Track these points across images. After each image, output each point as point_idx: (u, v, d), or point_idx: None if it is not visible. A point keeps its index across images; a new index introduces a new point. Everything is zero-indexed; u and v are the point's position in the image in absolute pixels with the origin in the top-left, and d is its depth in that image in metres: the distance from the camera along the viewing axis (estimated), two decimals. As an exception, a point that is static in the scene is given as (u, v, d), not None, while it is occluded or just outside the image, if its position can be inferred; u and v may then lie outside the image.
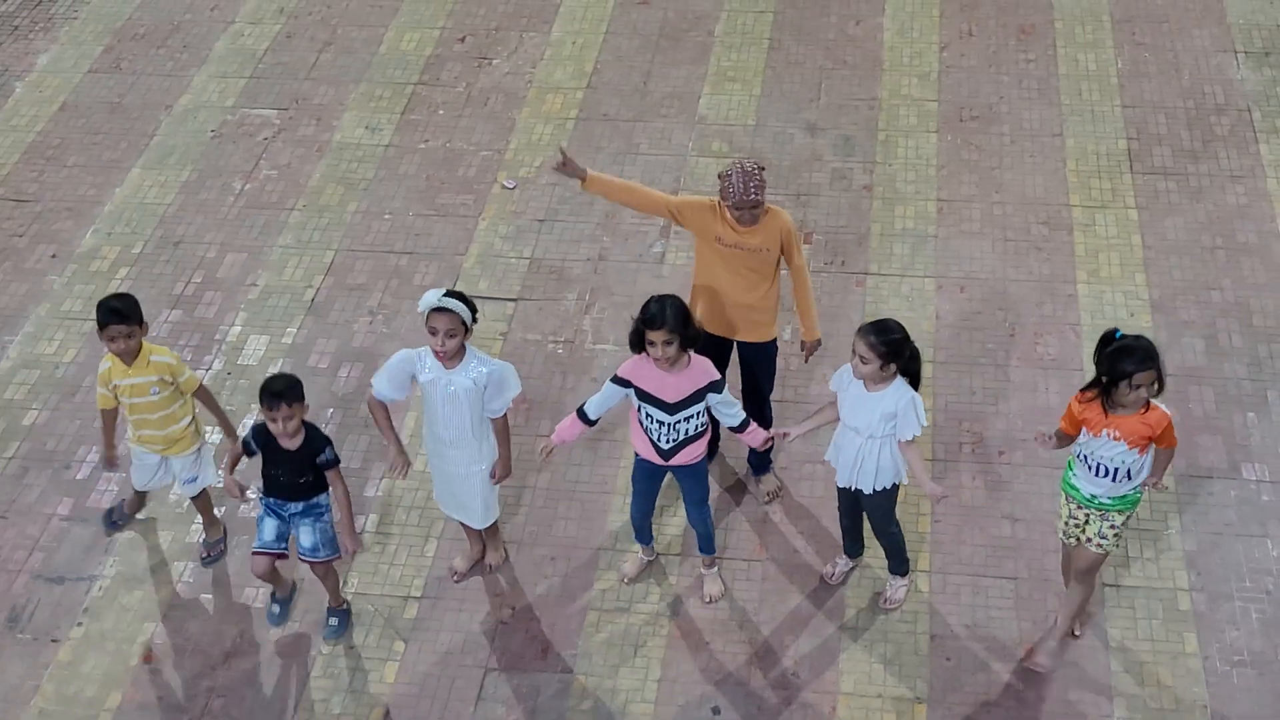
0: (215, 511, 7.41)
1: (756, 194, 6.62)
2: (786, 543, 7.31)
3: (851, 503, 6.78)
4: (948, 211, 9.18)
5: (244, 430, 6.85)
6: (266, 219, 9.41)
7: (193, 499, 7.30)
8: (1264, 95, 9.96)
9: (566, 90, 10.36)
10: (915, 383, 6.31)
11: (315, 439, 6.54)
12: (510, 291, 8.75)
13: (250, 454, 6.56)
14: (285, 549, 6.78)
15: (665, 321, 6.19)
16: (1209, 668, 6.68)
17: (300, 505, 6.66)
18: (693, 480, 6.78)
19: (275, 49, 10.93)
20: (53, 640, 7.03)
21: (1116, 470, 6.12)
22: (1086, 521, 6.37)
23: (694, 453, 6.63)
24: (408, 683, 6.78)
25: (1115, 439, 6.04)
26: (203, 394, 7.06)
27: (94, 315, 6.72)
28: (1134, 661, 6.70)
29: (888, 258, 8.86)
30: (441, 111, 10.25)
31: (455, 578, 7.20)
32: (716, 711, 6.62)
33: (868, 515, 6.78)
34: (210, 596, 7.18)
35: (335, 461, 6.59)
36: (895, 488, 6.57)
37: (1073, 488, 6.35)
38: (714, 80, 10.38)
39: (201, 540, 7.40)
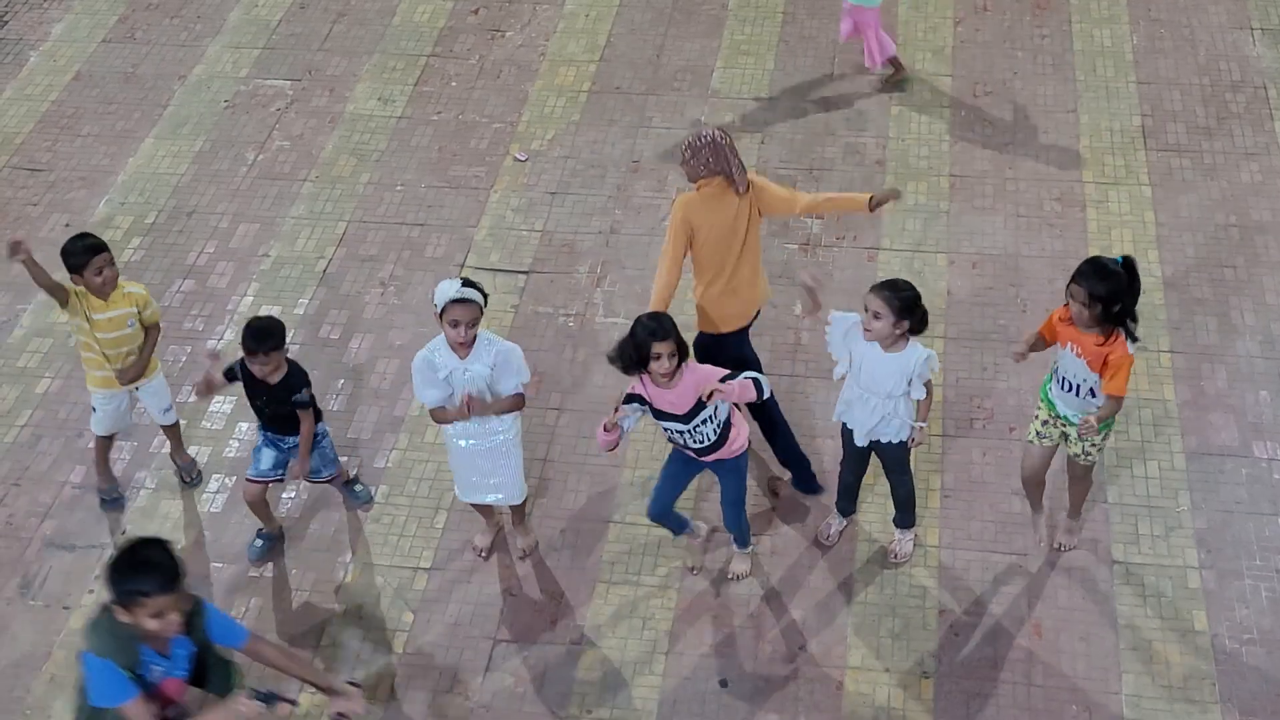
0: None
1: (685, 152, 6.67)
2: (795, 517, 7.31)
3: (860, 459, 6.80)
4: (960, 187, 9.15)
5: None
6: (279, 190, 9.41)
7: (168, 428, 7.47)
8: (1280, 72, 9.93)
9: (579, 63, 10.34)
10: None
11: (295, 376, 6.67)
12: (522, 264, 8.75)
13: (231, 380, 6.68)
14: (281, 476, 6.98)
15: (669, 333, 6.09)
16: (1218, 645, 6.68)
17: (298, 438, 6.84)
18: (732, 478, 6.67)
19: (289, 19, 10.91)
20: (64, 607, 7.07)
21: (1078, 386, 6.30)
22: (1066, 438, 6.58)
23: (730, 448, 6.51)
24: (416, 653, 6.81)
25: (1077, 355, 6.25)
26: (154, 333, 7.12)
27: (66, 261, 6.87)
28: (1143, 639, 6.70)
29: (900, 233, 8.84)
30: (454, 83, 10.23)
31: (482, 554, 7.19)
32: (724, 684, 6.64)
33: (885, 465, 6.80)
34: (220, 566, 7.21)
35: (309, 404, 6.72)
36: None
37: (1050, 401, 6.55)
38: (727, 54, 10.35)
39: (179, 466, 7.59)
